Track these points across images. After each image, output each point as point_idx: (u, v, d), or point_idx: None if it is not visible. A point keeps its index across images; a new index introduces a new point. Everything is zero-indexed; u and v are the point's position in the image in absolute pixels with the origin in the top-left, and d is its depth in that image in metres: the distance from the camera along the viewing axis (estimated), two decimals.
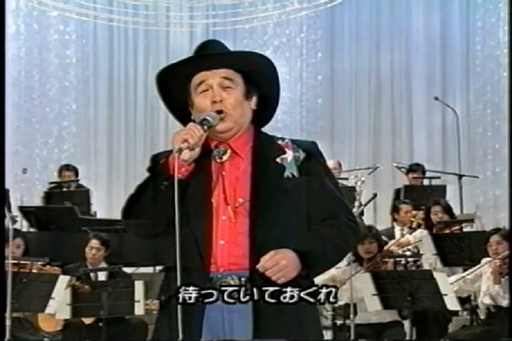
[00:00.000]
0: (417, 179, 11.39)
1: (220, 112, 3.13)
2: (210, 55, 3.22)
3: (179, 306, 2.96)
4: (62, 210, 9.86)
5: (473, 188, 12.89)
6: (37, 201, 11.36)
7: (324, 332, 8.58)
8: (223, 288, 3.03)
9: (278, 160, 3.15)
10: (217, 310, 3.07)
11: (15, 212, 10.35)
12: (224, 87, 3.17)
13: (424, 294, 7.18)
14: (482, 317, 7.63)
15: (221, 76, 3.17)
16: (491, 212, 12.83)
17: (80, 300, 7.42)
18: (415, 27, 14.47)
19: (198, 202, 3.11)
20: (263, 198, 3.10)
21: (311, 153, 3.18)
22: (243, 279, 3.07)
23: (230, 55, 3.29)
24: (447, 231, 8.75)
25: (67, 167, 11.68)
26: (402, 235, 9.92)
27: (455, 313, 8.18)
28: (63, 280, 7.19)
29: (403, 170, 11.60)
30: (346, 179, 11.56)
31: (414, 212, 10.06)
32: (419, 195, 10.60)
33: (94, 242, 8.42)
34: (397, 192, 11.03)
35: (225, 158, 3.17)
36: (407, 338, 7.73)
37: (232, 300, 3.00)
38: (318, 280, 7.88)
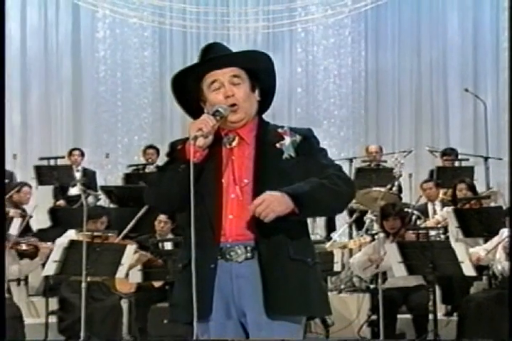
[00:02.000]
0: (449, 161, 11.35)
1: (233, 105, 3.14)
2: (219, 56, 3.21)
3: (193, 273, 2.96)
4: (136, 189, 9.91)
5: (500, 169, 12.77)
6: (118, 181, 11.49)
7: (361, 295, 8.66)
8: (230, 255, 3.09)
9: (277, 145, 3.15)
10: (226, 277, 3.09)
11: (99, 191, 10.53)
12: (234, 83, 3.18)
13: (443, 261, 7.09)
14: (498, 281, 7.56)
15: (230, 74, 3.18)
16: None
17: (150, 266, 7.51)
18: (450, 28, 14.36)
19: (210, 183, 3.12)
20: (265, 178, 3.10)
21: (306, 137, 3.17)
22: (248, 248, 3.08)
23: (236, 55, 3.28)
24: (468, 206, 8.69)
25: (151, 146, 11.89)
26: (434, 210, 9.87)
27: (476, 278, 8.06)
28: (130, 249, 7.21)
29: (435, 153, 11.49)
30: (385, 161, 11.57)
31: (443, 190, 10.00)
32: (450, 175, 10.49)
33: (162, 217, 8.50)
34: (432, 172, 10.96)
35: (234, 144, 3.19)
36: (433, 300, 7.63)
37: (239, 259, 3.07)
38: (357, 261, 7.93)
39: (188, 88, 3.24)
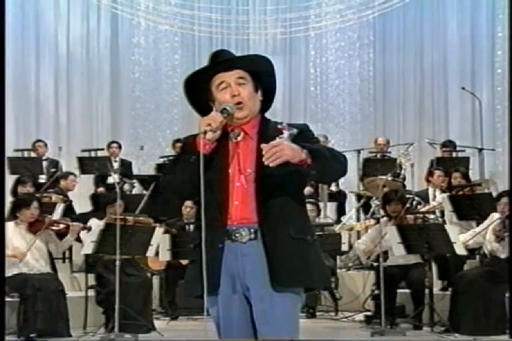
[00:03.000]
0: (447, 152, 11.33)
1: (239, 103, 3.13)
2: (226, 60, 3.21)
3: (203, 252, 3.00)
4: None
5: (493, 159, 12.76)
6: (151, 171, 11.54)
7: (367, 272, 8.66)
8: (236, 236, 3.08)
9: (277, 138, 3.08)
10: (232, 256, 3.08)
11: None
12: (239, 84, 3.15)
13: (438, 242, 7.13)
14: (488, 260, 7.52)
15: (236, 76, 3.16)
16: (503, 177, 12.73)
17: (178, 246, 7.53)
18: (450, 33, 14.31)
19: (218, 172, 3.11)
20: (266, 168, 3.04)
21: (302, 130, 3.14)
22: (252, 230, 3.07)
23: (241, 59, 3.28)
24: (462, 192, 8.69)
25: (179, 139, 11.90)
26: (434, 196, 9.86)
27: (469, 257, 8.07)
28: (159, 231, 7.26)
29: (435, 145, 11.47)
30: (390, 152, 11.57)
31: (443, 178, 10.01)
32: (448, 164, 10.46)
33: (188, 202, 8.53)
34: (432, 162, 10.95)
35: (239, 138, 3.17)
36: (429, 276, 7.59)
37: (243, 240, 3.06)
38: (361, 244, 7.92)
39: (198, 88, 3.23)
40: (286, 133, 3.11)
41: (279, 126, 3.16)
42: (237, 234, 3.09)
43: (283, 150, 2.88)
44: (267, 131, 3.16)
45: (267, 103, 3.26)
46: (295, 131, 3.11)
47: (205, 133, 3.02)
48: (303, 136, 3.11)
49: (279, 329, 3.05)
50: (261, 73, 3.23)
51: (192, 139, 3.11)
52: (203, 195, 3.01)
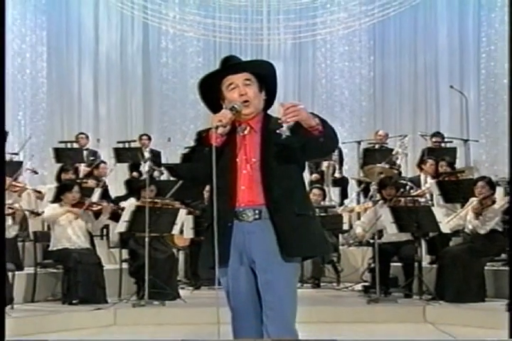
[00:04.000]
0: (436, 143, 11.24)
1: (246, 102, 3.13)
2: (235, 64, 3.23)
3: (215, 230, 3.01)
4: None
5: (478, 149, 12.72)
6: (178, 160, 11.50)
7: (365, 248, 8.68)
8: (243, 216, 3.09)
9: (278, 131, 3.08)
10: (240, 233, 3.09)
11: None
12: (246, 84, 3.15)
13: (425, 222, 7.11)
14: (470, 237, 7.50)
15: (243, 78, 3.16)
16: (488, 166, 12.68)
17: (200, 225, 7.48)
18: (441, 38, 14.21)
19: (227, 162, 3.12)
20: (268, 158, 3.10)
21: (298, 122, 3.08)
22: (256, 211, 3.08)
23: (248, 64, 3.29)
24: (448, 179, 8.66)
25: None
26: (425, 181, 9.83)
27: (454, 235, 8.03)
28: (182, 212, 7.28)
29: (425, 137, 11.41)
30: (387, 143, 11.52)
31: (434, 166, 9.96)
32: (437, 154, 10.39)
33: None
34: (423, 152, 10.88)
35: (245, 132, 3.18)
36: (418, 251, 7.59)
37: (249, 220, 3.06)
38: (358, 226, 7.90)
39: (210, 89, 3.23)
40: (285, 126, 3.11)
41: (279, 121, 3.18)
42: (244, 215, 3.10)
43: (300, 110, 2.88)
44: (270, 126, 3.16)
45: (269, 101, 3.27)
46: (292, 123, 3.14)
47: (216, 128, 3.04)
48: (297, 126, 3.09)
49: (280, 296, 3.06)
50: (265, 76, 3.23)
51: (205, 133, 3.13)
52: (215, 181, 3.02)
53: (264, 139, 3.15)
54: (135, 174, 10.90)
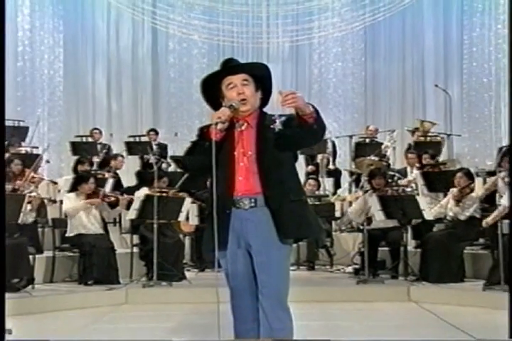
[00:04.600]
0: (423, 137, 11.23)
1: (243, 100, 3.14)
2: (234, 66, 3.24)
3: (214, 217, 3.03)
4: None
5: (461, 143, 12.72)
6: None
7: (356, 234, 8.72)
8: (240, 204, 3.11)
9: (271, 126, 3.15)
10: (237, 219, 3.12)
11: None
12: (244, 84, 3.16)
13: (410, 209, 7.14)
14: (451, 223, 7.56)
15: (241, 78, 3.17)
16: (469, 158, 12.70)
17: (204, 213, 7.49)
18: (427, 41, 14.11)
19: (226, 155, 3.13)
20: (263, 151, 3.12)
21: (289, 118, 3.13)
22: (252, 200, 3.10)
23: (245, 65, 3.31)
24: (431, 170, 8.70)
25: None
26: (411, 172, 9.86)
27: (437, 222, 8.02)
28: (187, 201, 7.30)
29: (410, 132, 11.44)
30: (377, 138, 11.52)
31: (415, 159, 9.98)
32: (422, 147, 10.41)
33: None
34: (409, 145, 10.90)
35: (243, 128, 3.18)
36: (405, 237, 7.63)
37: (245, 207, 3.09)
38: (352, 212, 7.92)
39: (211, 88, 3.24)
40: (278, 122, 3.15)
41: (273, 117, 3.18)
42: (241, 203, 3.11)
43: (298, 97, 2.88)
44: (264, 122, 3.18)
45: (265, 100, 3.28)
46: (284, 118, 3.14)
47: (216, 124, 3.05)
48: (289, 119, 3.13)
49: (273, 276, 3.08)
50: (261, 77, 3.24)
51: (206, 129, 3.14)
52: (215, 172, 3.03)
53: (260, 134, 3.16)
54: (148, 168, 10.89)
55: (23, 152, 9.63)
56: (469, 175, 7.57)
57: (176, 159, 10.21)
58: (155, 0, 13.87)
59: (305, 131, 3.01)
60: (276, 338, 3.06)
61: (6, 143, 9.97)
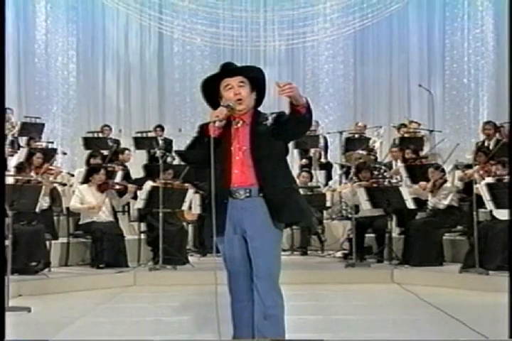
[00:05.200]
0: (407, 133, 11.22)
1: (239, 100, 3.17)
2: (231, 69, 3.28)
3: (213, 206, 3.05)
4: None
5: (440, 138, 12.68)
6: None
7: (345, 221, 8.77)
8: (236, 195, 3.15)
9: (264, 123, 3.19)
10: (234, 208, 3.15)
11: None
12: (240, 86, 3.19)
13: (394, 199, 7.19)
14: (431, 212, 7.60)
15: (238, 80, 3.20)
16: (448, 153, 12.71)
17: (205, 203, 7.58)
18: (412, 44, 14.08)
19: (224, 149, 3.16)
20: (256, 146, 3.15)
21: (279, 115, 3.19)
22: (247, 190, 3.14)
23: (242, 69, 3.34)
24: (414, 163, 8.73)
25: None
26: (396, 165, 9.89)
27: (420, 210, 8.01)
28: (190, 191, 7.33)
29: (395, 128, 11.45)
30: (365, 133, 11.53)
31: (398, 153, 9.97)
32: (406, 142, 10.39)
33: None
34: (394, 141, 10.89)
35: (239, 125, 3.21)
36: (389, 224, 7.73)
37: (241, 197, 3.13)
38: (346, 193, 7.92)
39: (211, 88, 3.26)
40: (270, 119, 3.20)
41: (266, 115, 3.23)
42: (237, 193, 3.15)
43: (294, 88, 2.92)
44: (258, 119, 3.22)
45: (259, 100, 3.32)
46: (274, 115, 3.19)
47: (214, 122, 3.09)
48: (279, 115, 3.19)
49: (266, 259, 3.13)
50: (256, 79, 3.27)
51: (205, 126, 3.19)
52: (213, 165, 3.07)
53: (254, 131, 3.19)
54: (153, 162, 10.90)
55: (42, 146, 9.66)
56: (441, 169, 7.65)
57: (179, 153, 10.22)
58: (161, 7, 13.89)
59: (298, 120, 3.05)
60: (274, 338, 3.10)
61: (27, 138, 10.05)
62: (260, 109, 3.33)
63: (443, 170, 7.63)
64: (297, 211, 3.18)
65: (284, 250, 8.22)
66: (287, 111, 3.14)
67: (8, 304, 5.03)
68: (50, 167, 8.41)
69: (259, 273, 3.14)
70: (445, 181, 7.43)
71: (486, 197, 6.35)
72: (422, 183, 7.61)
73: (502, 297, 5.33)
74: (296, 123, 3.08)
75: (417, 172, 8.12)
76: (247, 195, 3.16)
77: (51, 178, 7.73)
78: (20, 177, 7.20)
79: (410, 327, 4.61)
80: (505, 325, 4.46)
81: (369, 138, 10.86)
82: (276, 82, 2.94)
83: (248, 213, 3.16)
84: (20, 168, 7.61)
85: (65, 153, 10.20)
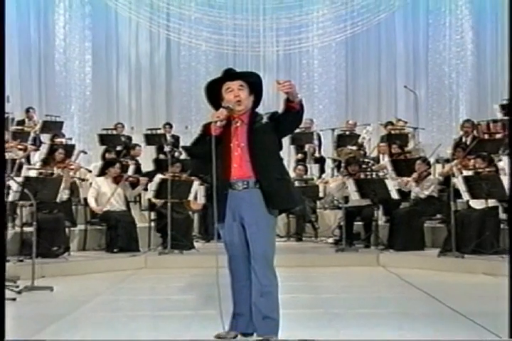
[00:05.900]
0: (394, 130, 11.22)
1: (238, 101, 3.25)
2: (232, 74, 3.36)
3: (214, 196, 3.19)
4: None
5: (423, 135, 12.73)
6: None
7: (336, 210, 8.81)
8: (235, 186, 3.24)
9: (260, 122, 3.26)
10: (233, 199, 3.24)
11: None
12: (239, 89, 3.28)
13: (380, 190, 7.20)
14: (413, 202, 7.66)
15: (238, 84, 3.29)
16: (433, 148, 12.72)
17: (209, 194, 7.63)
18: (399, 47, 14.05)
19: (224, 147, 3.24)
20: (253, 142, 3.23)
21: (273, 113, 3.28)
22: (245, 183, 3.23)
23: (242, 74, 3.42)
24: (399, 158, 8.78)
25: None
26: (383, 159, 9.91)
27: (404, 201, 8.00)
28: (196, 183, 7.36)
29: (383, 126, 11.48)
30: (355, 130, 11.55)
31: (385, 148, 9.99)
32: (392, 139, 10.36)
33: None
34: (382, 137, 10.92)
35: (238, 124, 3.29)
36: (376, 213, 7.75)
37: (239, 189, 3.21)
38: (333, 188, 7.93)
39: (213, 91, 3.34)
40: (265, 118, 3.29)
41: (262, 115, 3.32)
42: (236, 185, 3.25)
43: (292, 85, 3.04)
44: (255, 119, 3.30)
45: (257, 102, 3.40)
46: (269, 114, 3.28)
47: (215, 122, 3.19)
48: (273, 114, 3.28)
49: (262, 244, 3.22)
50: (254, 83, 3.36)
51: (208, 126, 3.28)
52: (215, 160, 3.17)
53: (251, 129, 3.28)
54: (161, 155, 10.96)
55: (63, 142, 9.72)
56: (427, 162, 7.72)
57: (186, 148, 10.27)
58: (169, 15, 13.87)
59: (291, 115, 3.15)
60: (269, 337, 3.15)
61: (51, 135, 10.08)
62: (260, 107, 3.41)
63: (428, 164, 7.70)
64: (289, 198, 3.27)
65: (280, 236, 8.30)
66: (281, 109, 3.25)
67: (34, 284, 5.18)
68: (71, 163, 8.46)
69: (256, 256, 3.23)
70: (429, 173, 7.51)
71: (462, 188, 6.43)
72: (405, 179, 7.67)
73: (475, 277, 5.50)
74: (290, 117, 3.17)
75: (401, 166, 8.16)
76: (245, 186, 3.24)
77: (71, 173, 7.81)
78: (43, 171, 7.29)
79: (392, 304, 4.70)
80: (476, 302, 4.59)
81: (359, 135, 10.86)
82: (276, 80, 3.04)
83: (246, 202, 3.24)
84: (45, 162, 7.71)
85: (85, 153, 10.26)
